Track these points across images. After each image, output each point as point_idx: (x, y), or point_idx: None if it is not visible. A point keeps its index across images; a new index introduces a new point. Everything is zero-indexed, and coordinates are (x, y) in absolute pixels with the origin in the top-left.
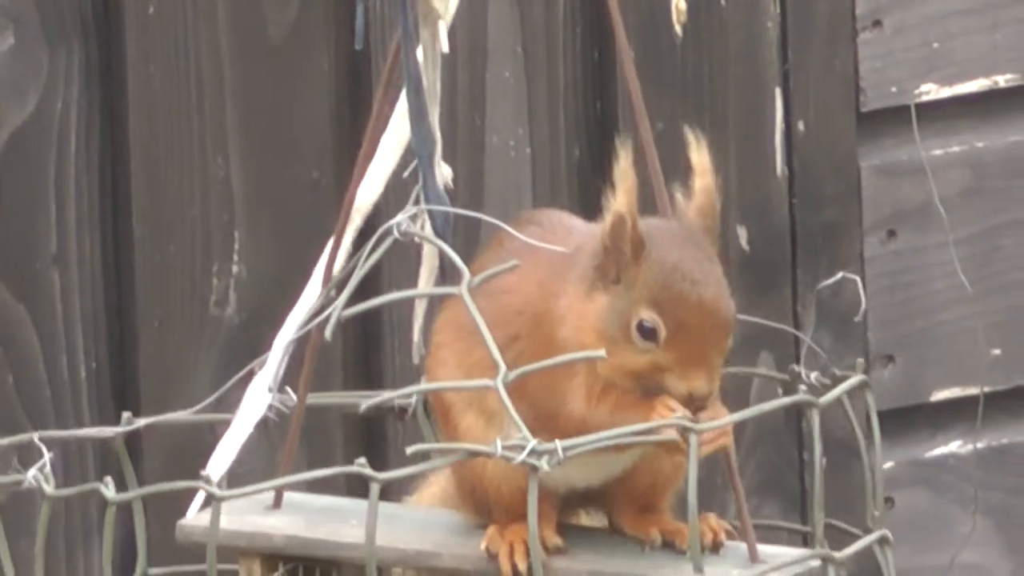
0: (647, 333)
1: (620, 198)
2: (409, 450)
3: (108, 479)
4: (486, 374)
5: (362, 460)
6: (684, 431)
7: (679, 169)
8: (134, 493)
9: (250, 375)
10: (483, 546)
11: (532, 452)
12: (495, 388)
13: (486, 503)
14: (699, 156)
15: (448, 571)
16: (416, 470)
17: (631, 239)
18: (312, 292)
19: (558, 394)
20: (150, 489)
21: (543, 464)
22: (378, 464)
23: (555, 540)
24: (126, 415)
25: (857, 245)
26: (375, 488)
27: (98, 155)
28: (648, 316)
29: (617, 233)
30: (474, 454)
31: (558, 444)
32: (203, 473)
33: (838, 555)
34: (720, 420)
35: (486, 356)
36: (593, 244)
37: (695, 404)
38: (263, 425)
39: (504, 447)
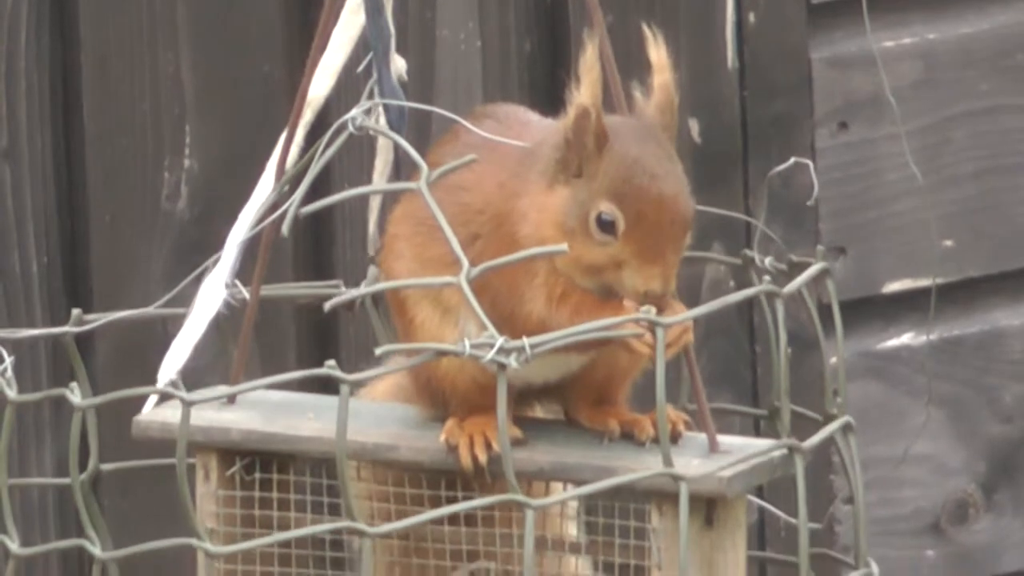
0: (606, 226)
1: (584, 90)
2: (378, 351)
3: (74, 385)
4: (443, 269)
5: (332, 362)
6: (650, 325)
7: (631, 62)
8: (100, 399)
9: (204, 272)
10: (442, 438)
11: (500, 350)
12: (458, 285)
13: (441, 396)
14: (657, 53)
15: (406, 463)
16: (385, 371)
17: (594, 131)
18: (265, 187)
19: (518, 294)
20: (116, 395)
21: (511, 362)
22: (331, 356)
23: (514, 431)
24: (76, 312)
25: (808, 137)
26: (345, 390)
27: (48, 50)
28: (607, 208)
29: (580, 126)
30: (442, 353)
31: (525, 342)
32: (172, 378)
33: (804, 445)
34: (684, 314)
35: (445, 252)
36: (555, 137)
37: (651, 303)
38: (214, 321)
39: (472, 345)
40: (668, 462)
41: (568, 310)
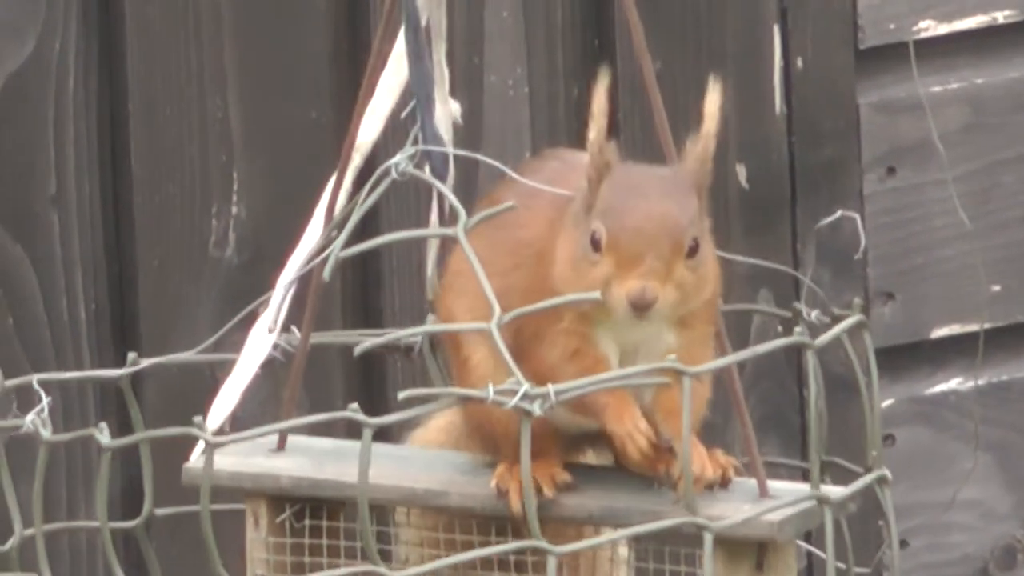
0: (595, 244)
1: (591, 126)
2: (401, 395)
3: (103, 425)
4: (504, 308)
5: (354, 405)
6: (677, 374)
7: (678, 107)
8: (128, 439)
9: (252, 316)
10: (492, 484)
11: (524, 397)
12: (489, 331)
13: (494, 440)
14: (708, 102)
15: (456, 510)
16: (410, 415)
17: (595, 163)
18: (314, 233)
19: (540, 334)
20: (144, 435)
21: (535, 409)
22: (380, 404)
23: (564, 476)
24: (132, 355)
25: (856, 182)
26: (367, 434)
27: (96, 96)
28: (596, 226)
29: (593, 162)
30: (465, 399)
31: (551, 388)
32: (196, 419)
33: (833, 498)
34: (710, 364)
35: (502, 290)
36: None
37: (635, 310)
38: (268, 366)
39: (496, 391)
40: (693, 510)
41: (575, 371)
